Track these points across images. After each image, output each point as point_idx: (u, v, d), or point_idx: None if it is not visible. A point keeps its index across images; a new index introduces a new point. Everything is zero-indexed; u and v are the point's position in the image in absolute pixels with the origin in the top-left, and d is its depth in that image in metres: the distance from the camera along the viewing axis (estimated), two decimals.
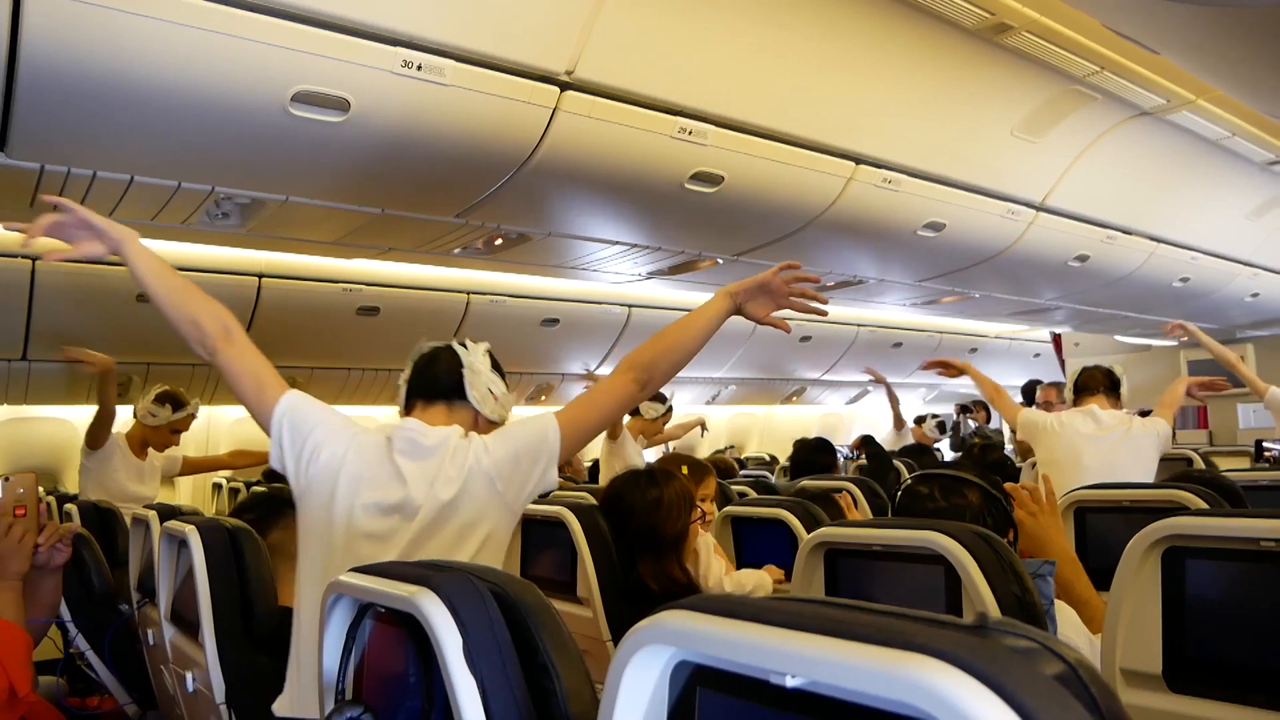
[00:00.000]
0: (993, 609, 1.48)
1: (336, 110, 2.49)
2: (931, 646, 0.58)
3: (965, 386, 10.67)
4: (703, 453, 8.46)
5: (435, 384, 1.81)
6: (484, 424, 1.83)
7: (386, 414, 7.54)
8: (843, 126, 3.49)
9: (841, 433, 10.45)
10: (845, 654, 0.61)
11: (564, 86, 2.78)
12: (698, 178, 3.31)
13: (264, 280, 5.22)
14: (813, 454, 4.46)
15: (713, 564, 2.30)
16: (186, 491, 6.51)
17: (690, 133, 3.11)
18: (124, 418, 5.97)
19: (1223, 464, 4.88)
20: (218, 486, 6.62)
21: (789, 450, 8.93)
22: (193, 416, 4.57)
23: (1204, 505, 2.02)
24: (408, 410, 1.82)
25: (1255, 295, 6.62)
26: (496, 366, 1.86)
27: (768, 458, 8.73)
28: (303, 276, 5.30)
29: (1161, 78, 3.65)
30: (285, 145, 2.62)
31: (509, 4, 2.52)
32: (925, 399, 11.02)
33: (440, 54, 2.51)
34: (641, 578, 1.97)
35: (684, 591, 2.04)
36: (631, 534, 2.01)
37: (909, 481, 1.84)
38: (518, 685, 0.96)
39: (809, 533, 2.91)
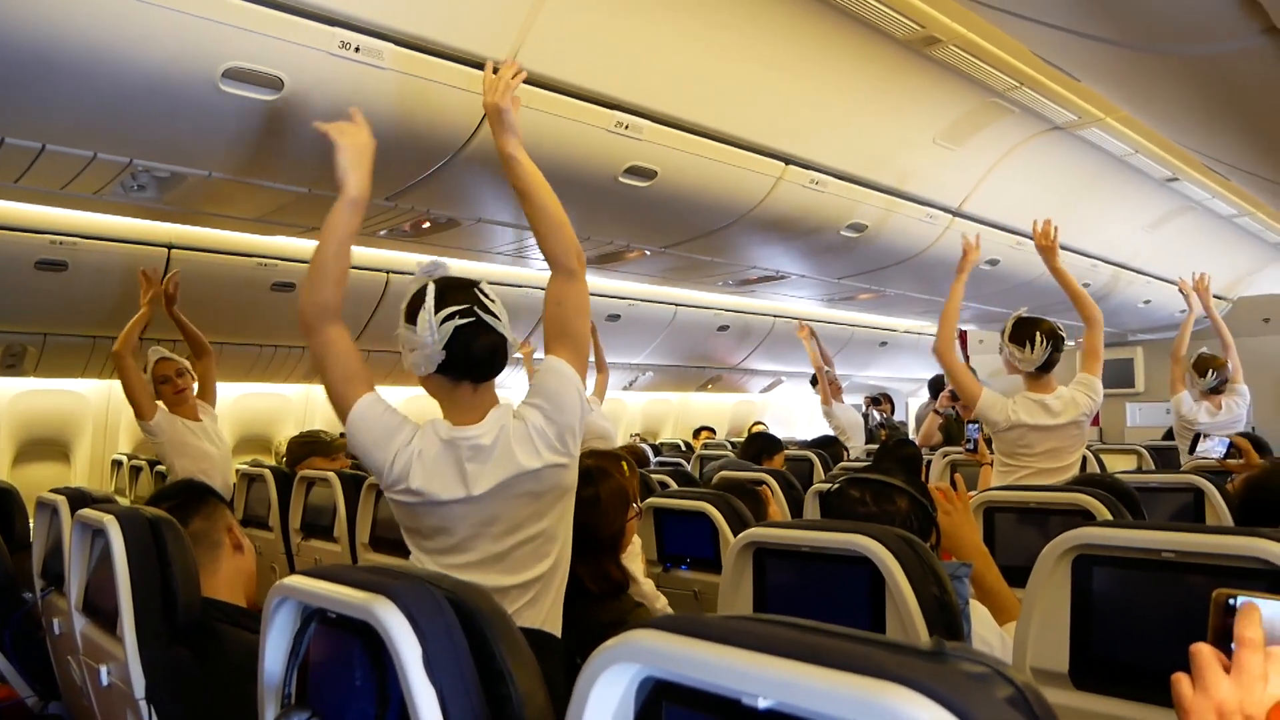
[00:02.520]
0: (914, 608, 1.56)
1: (269, 89, 2.42)
2: (899, 674, 0.63)
3: (873, 379, 11.01)
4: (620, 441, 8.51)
5: (490, 371, 1.82)
6: None
7: (298, 391, 7.35)
8: (775, 127, 3.55)
9: (753, 418, 10.65)
10: (818, 679, 0.64)
11: None
12: (631, 171, 3.32)
13: (173, 251, 5.02)
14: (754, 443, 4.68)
15: (638, 567, 2.34)
16: (83, 471, 6.23)
17: (626, 127, 3.12)
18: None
19: (1111, 461, 5.16)
20: (117, 464, 6.36)
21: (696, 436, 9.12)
22: (167, 361, 4.12)
23: (1106, 512, 2.15)
24: (454, 383, 1.80)
25: (1147, 302, 7.00)
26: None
27: (682, 445, 8.84)
28: (215, 249, 5.12)
29: (1074, 95, 3.83)
30: (213, 121, 2.54)
31: None
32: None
33: (379, 36, 2.46)
34: (579, 578, 1.97)
35: (620, 590, 2.07)
36: None
37: (838, 483, 1.90)
38: (475, 694, 0.97)
39: (729, 525, 3.01)
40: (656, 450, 7.53)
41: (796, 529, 1.79)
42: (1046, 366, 3.44)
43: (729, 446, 7.55)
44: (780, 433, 9.78)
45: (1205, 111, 2.35)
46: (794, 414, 11.60)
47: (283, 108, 2.51)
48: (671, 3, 2.89)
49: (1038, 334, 3.40)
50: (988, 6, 1.98)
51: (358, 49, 2.44)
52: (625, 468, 2.22)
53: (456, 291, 1.78)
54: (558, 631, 1.83)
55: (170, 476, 3.95)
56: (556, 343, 1.90)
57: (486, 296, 1.80)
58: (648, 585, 2.36)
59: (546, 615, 1.81)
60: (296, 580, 1.17)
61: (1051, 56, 2.51)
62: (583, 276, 1.94)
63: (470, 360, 1.77)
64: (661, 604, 2.36)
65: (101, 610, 2.10)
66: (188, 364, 4.18)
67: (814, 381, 6.71)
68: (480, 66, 2.69)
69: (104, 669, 2.00)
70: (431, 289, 1.75)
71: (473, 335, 1.75)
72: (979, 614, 1.76)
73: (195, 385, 4.23)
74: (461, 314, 1.74)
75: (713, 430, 9.72)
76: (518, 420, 1.81)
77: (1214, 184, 5.22)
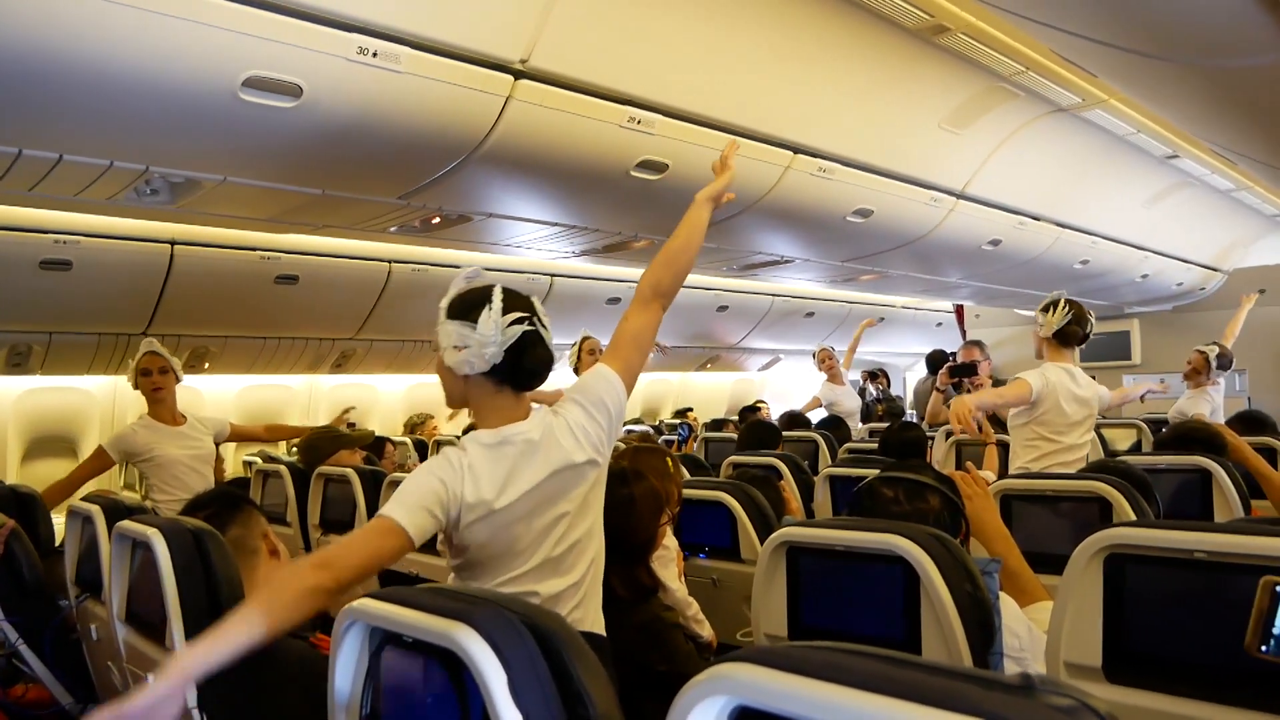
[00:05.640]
0: (949, 605, 1.61)
1: (288, 96, 2.43)
2: (992, 711, 0.67)
3: (870, 354, 11.06)
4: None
5: (536, 382, 1.84)
6: None
7: (301, 382, 7.37)
8: (783, 118, 3.57)
9: (752, 397, 10.70)
10: (910, 716, 0.69)
11: (518, 75, 2.77)
12: (643, 165, 3.35)
13: (177, 248, 5.03)
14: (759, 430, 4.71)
15: (671, 574, 2.36)
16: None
17: (638, 122, 3.14)
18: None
19: (1111, 435, 5.22)
20: None
21: (702, 415, 9.17)
22: (154, 355, 3.96)
23: (1124, 500, 2.21)
24: (497, 387, 1.80)
25: (1145, 276, 7.06)
26: None
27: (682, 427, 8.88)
28: (218, 244, 5.13)
29: (1079, 79, 3.85)
30: (231, 129, 2.55)
31: None
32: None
33: (396, 41, 2.47)
34: (609, 583, 1.98)
35: (649, 594, 2.10)
36: None
37: (868, 482, 1.95)
38: (559, 717, 1.01)
39: (747, 514, 3.05)
40: (657, 431, 7.59)
41: (830, 528, 1.82)
42: (1062, 336, 3.58)
43: (735, 424, 7.63)
44: (778, 410, 9.86)
45: (1226, 113, 2.38)
46: (792, 391, 11.65)
47: (301, 113, 2.52)
48: (681, 0, 2.90)
49: (1062, 301, 3.56)
50: (1009, 13, 1.99)
51: (375, 54, 2.45)
52: (669, 464, 2.22)
53: (519, 299, 1.80)
54: (603, 631, 1.87)
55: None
56: (617, 356, 1.93)
57: (541, 311, 1.84)
58: (681, 591, 2.38)
59: (595, 616, 1.85)
60: (369, 604, 1.21)
61: (1074, 58, 2.52)
62: (664, 311, 2.00)
63: (523, 368, 1.79)
64: (693, 610, 2.38)
65: (144, 619, 2.14)
66: (176, 364, 4.04)
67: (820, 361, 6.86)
68: (497, 67, 2.72)
69: (151, 677, 2.04)
70: (499, 292, 1.76)
71: (533, 343, 1.78)
72: (1008, 608, 1.81)
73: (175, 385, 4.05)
74: (527, 321, 1.77)
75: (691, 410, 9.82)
76: (558, 417, 1.83)
77: (1213, 160, 5.25)
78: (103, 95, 2.28)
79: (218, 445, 4.26)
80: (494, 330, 1.72)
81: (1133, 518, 2.21)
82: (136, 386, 3.96)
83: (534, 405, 1.90)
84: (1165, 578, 1.48)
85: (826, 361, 6.88)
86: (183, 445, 3.98)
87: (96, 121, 2.44)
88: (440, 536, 1.81)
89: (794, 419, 5.92)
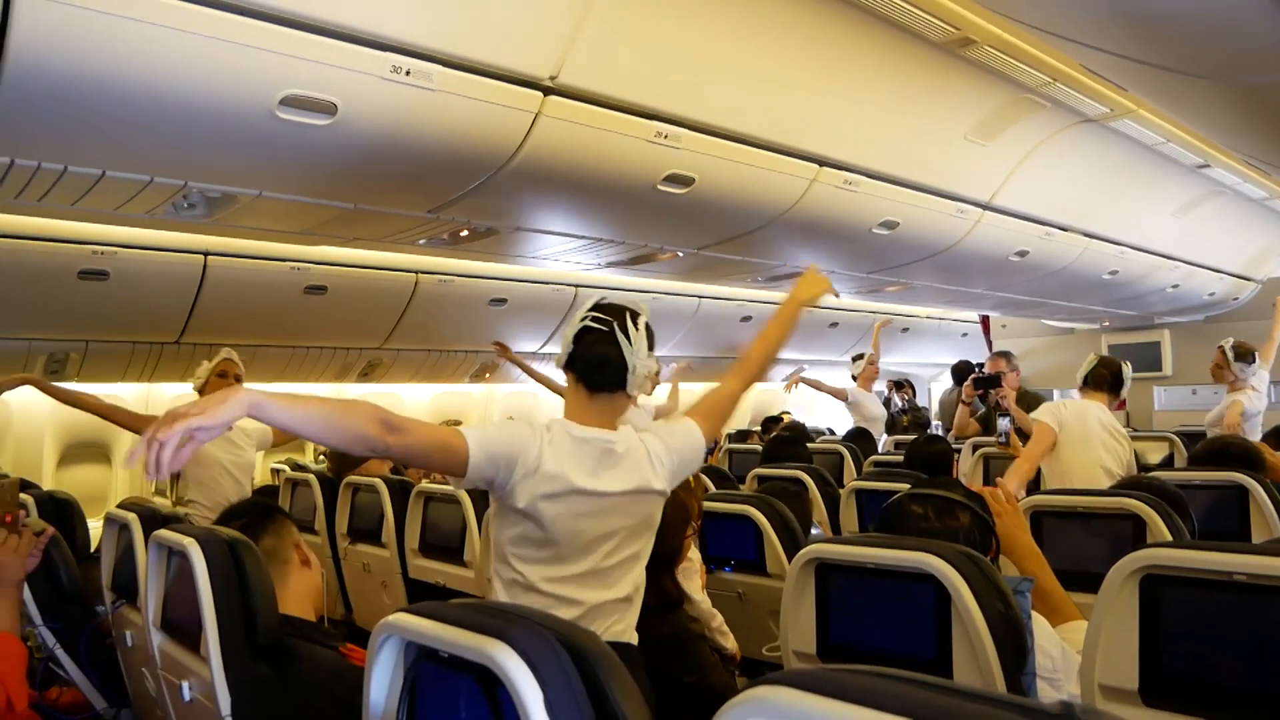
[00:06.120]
0: (981, 626, 1.60)
1: (324, 114, 2.47)
2: None
3: (895, 364, 11.00)
4: None
5: (605, 383, 1.93)
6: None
7: (330, 391, 7.44)
8: (809, 131, 3.58)
9: (776, 408, 10.67)
10: None
11: (547, 91, 2.80)
12: (670, 179, 3.36)
13: (210, 259, 5.12)
14: (783, 446, 4.70)
15: (695, 585, 2.39)
16: (124, 472, 6.35)
17: (665, 136, 3.16)
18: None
19: (1143, 448, 5.15)
20: None
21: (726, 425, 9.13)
22: (232, 362, 4.19)
23: (1157, 517, 2.18)
24: (575, 382, 1.95)
25: (1175, 286, 6.98)
26: (650, 343, 1.99)
27: None
28: (250, 255, 5.21)
29: (1107, 90, 3.82)
30: (268, 146, 2.59)
31: (498, 11, 2.53)
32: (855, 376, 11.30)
33: (429, 59, 2.51)
34: None
35: (675, 604, 2.13)
36: None
37: (898, 498, 1.94)
38: None
39: (773, 527, 3.04)
40: None
41: (859, 545, 1.82)
42: (1087, 380, 3.99)
43: (759, 435, 7.61)
44: (799, 420, 9.80)
45: (1258, 127, 2.36)
46: (816, 401, 11.59)
47: (335, 131, 2.56)
48: (709, 16, 2.92)
49: (1091, 353, 4.07)
50: (1035, 28, 1.99)
51: (408, 72, 2.48)
52: (691, 479, 2.25)
53: (607, 307, 1.96)
54: (635, 640, 1.90)
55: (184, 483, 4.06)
56: (703, 415, 2.09)
57: (633, 323, 1.93)
58: (705, 603, 2.41)
59: (631, 632, 1.89)
60: (405, 619, 1.23)
61: (1102, 71, 2.51)
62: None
63: (581, 359, 1.93)
64: (717, 622, 2.40)
65: (179, 627, 2.17)
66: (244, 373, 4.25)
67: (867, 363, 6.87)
68: (527, 84, 2.75)
69: (186, 685, 2.07)
70: (592, 300, 1.97)
71: (595, 341, 1.92)
72: (1040, 627, 1.80)
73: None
74: (598, 323, 1.91)
75: None
76: (643, 444, 1.95)
77: (1246, 169, 5.19)
78: (145, 114, 2.33)
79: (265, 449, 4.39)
80: (571, 327, 1.96)
81: (1168, 536, 2.19)
82: (202, 390, 4.04)
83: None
84: (1203, 600, 1.46)
85: (874, 366, 6.90)
86: (225, 449, 4.08)
87: (138, 139, 2.49)
88: (490, 510, 1.90)
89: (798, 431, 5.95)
